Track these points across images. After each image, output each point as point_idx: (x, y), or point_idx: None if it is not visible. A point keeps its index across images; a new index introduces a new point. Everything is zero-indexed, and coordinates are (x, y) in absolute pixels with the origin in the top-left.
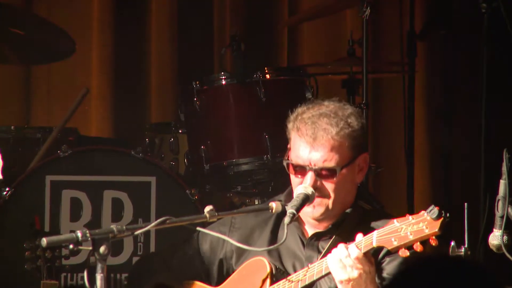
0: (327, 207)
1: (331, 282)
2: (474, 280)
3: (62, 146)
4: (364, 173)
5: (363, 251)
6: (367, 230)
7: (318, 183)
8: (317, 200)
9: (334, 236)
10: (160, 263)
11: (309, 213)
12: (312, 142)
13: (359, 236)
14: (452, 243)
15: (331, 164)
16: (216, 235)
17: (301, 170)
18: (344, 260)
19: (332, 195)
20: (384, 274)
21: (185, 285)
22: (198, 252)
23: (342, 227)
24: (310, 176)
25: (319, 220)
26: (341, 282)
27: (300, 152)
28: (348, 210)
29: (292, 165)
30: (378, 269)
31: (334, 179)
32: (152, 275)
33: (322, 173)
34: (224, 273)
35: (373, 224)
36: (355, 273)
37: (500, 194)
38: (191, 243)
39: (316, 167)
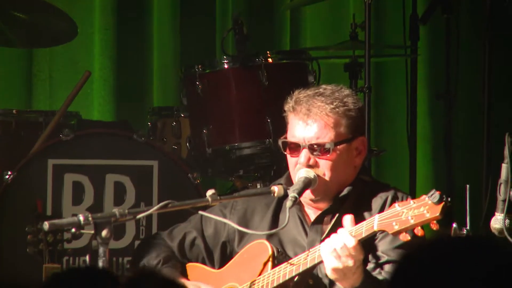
0: (322, 187)
1: None
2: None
3: (64, 130)
4: (363, 157)
5: (364, 235)
6: (369, 205)
7: (312, 160)
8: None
9: (336, 217)
10: (163, 246)
11: (306, 194)
12: (306, 119)
13: (346, 219)
14: (454, 225)
15: (324, 140)
16: (217, 219)
17: (295, 148)
18: (339, 251)
19: (326, 173)
20: (379, 253)
21: (187, 268)
22: (201, 235)
23: (343, 206)
24: (304, 154)
25: (315, 201)
26: (333, 270)
27: (295, 130)
28: (347, 188)
29: (287, 143)
30: (371, 246)
31: (328, 155)
32: (155, 258)
33: (315, 150)
34: (227, 255)
35: (375, 197)
36: (349, 263)
37: (502, 178)
38: (193, 225)
39: (310, 144)
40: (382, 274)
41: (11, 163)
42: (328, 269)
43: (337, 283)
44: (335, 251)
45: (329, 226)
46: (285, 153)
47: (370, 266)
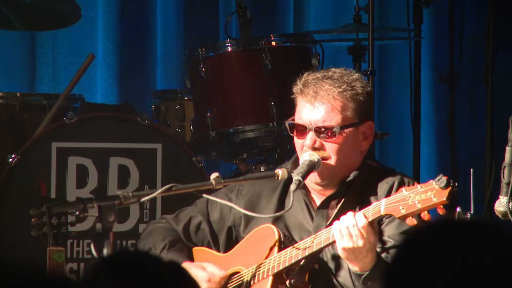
0: (328, 170)
1: (333, 249)
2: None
3: (68, 113)
4: (370, 142)
5: (370, 219)
6: (375, 190)
7: (318, 143)
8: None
9: (342, 201)
10: (169, 229)
11: (311, 178)
12: (313, 101)
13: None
14: (458, 209)
15: (331, 123)
16: (223, 203)
17: (302, 130)
18: (351, 230)
19: (332, 156)
20: (385, 237)
21: (194, 252)
22: (207, 220)
23: (349, 191)
24: (310, 136)
25: (321, 185)
26: (344, 249)
27: (302, 113)
28: (354, 173)
29: (294, 125)
30: (379, 230)
31: (334, 139)
32: (161, 241)
33: (322, 133)
34: (233, 240)
35: (381, 182)
36: (360, 243)
37: (506, 161)
38: (199, 210)
39: (316, 126)
40: (389, 259)
41: (15, 146)
42: (339, 248)
43: (348, 263)
44: (346, 229)
45: (335, 211)
46: (292, 135)
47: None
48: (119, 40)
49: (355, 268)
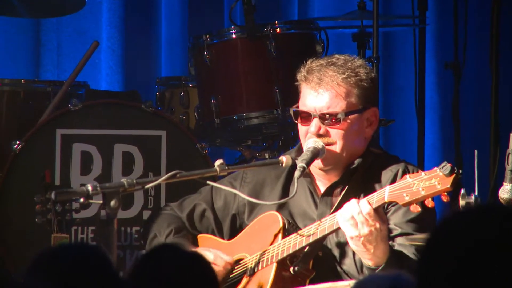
0: (332, 156)
1: (337, 236)
2: None
3: (72, 100)
4: (374, 128)
5: (374, 206)
6: (379, 178)
7: (323, 130)
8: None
9: (346, 189)
10: (173, 217)
11: (315, 164)
12: (317, 88)
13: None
14: (462, 191)
15: (335, 110)
16: (228, 189)
17: (306, 117)
18: (356, 217)
19: (337, 142)
20: (391, 225)
21: (199, 239)
22: (211, 207)
23: (353, 178)
24: (315, 123)
25: (326, 171)
26: (352, 238)
27: (306, 100)
28: (358, 160)
29: (298, 112)
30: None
31: (339, 125)
32: (166, 227)
33: (326, 119)
34: (237, 227)
35: (385, 170)
36: (365, 230)
37: (510, 148)
38: (203, 197)
39: (321, 113)
40: (395, 247)
41: (20, 133)
42: (348, 238)
43: (363, 260)
44: (352, 218)
45: (339, 198)
46: (297, 122)
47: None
48: (124, 27)
49: (368, 263)
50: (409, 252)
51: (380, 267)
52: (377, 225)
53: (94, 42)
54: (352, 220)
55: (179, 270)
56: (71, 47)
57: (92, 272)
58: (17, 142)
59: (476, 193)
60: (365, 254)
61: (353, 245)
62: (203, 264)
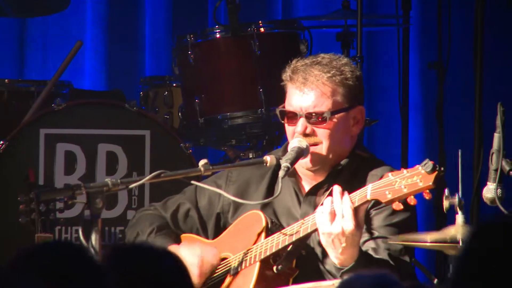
0: (319, 156)
1: None
2: None
3: (56, 99)
4: (360, 127)
5: (357, 203)
6: (364, 181)
7: (310, 129)
8: (310, 148)
9: (330, 190)
10: (157, 216)
11: (302, 164)
12: (303, 87)
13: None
14: (446, 192)
15: (321, 109)
16: (213, 189)
17: (293, 117)
18: (336, 208)
19: (324, 142)
20: (372, 228)
21: (182, 238)
22: (195, 207)
23: (339, 178)
24: (301, 122)
25: (313, 170)
26: (323, 234)
27: (292, 99)
28: (344, 161)
29: (284, 112)
30: (366, 222)
31: (325, 124)
32: (149, 226)
33: (312, 119)
34: (221, 226)
35: (370, 173)
36: (338, 228)
37: (494, 147)
38: (187, 197)
39: (307, 112)
40: (369, 250)
41: (3, 133)
42: (320, 234)
43: (330, 257)
44: (330, 213)
45: (323, 198)
46: (283, 122)
47: (362, 239)
48: (108, 27)
49: (334, 261)
50: (382, 256)
51: (347, 268)
52: (350, 226)
53: (77, 42)
54: (329, 215)
55: (149, 266)
56: (56, 46)
57: (73, 266)
58: (1, 142)
59: (460, 193)
60: (332, 252)
61: (323, 240)
62: (174, 258)
